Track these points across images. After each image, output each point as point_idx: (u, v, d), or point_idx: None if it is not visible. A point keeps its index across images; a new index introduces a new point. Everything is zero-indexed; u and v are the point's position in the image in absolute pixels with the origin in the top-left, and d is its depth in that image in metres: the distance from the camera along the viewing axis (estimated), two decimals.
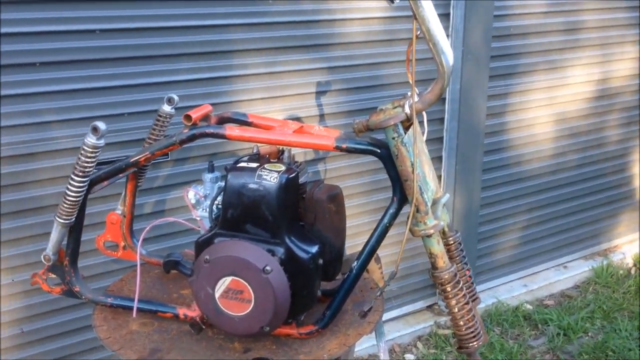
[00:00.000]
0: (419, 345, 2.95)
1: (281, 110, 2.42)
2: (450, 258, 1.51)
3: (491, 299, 3.23)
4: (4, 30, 1.89)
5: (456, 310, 1.38)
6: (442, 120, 2.85)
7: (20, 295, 2.12)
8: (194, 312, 1.47)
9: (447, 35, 2.74)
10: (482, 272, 3.25)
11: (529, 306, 3.24)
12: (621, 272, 3.55)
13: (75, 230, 1.52)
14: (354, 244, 2.64)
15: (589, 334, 3.02)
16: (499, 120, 3.02)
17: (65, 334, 2.24)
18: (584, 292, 3.38)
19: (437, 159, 2.90)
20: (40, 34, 1.95)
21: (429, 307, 3.14)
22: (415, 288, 3.05)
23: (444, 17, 2.72)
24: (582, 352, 2.86)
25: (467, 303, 1.39)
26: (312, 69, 2.46)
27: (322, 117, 2.53)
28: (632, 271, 3.60)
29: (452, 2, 2.70)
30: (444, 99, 2.82)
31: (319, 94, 2.50)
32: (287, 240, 1.36)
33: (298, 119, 2.47)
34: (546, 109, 3.14)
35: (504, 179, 3.13)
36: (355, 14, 2.48)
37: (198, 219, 1.52)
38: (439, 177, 2.92)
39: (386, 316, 2.96)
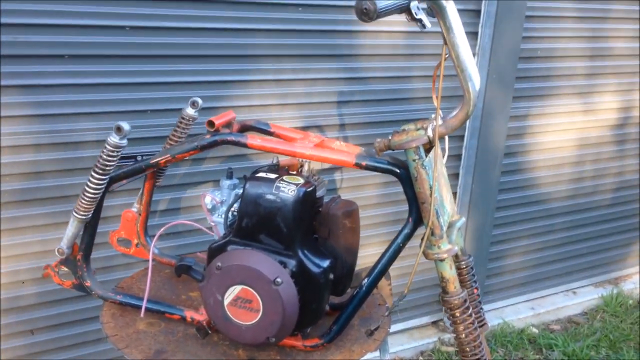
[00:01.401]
0: None
1: (302, 117, 2.43)
2: (462, 282, 1.51)
3: (497, 319, 3.21)
4: (36, 21, 1.91)
5: (463, 336, 1.38)
6: (462, 137, 2.85)
7: (18, 284, 2.14)
8: (201, 316, 1.48)
9: (474, 54, 2.74)
10: (490, 292, 3.23)
11: (534, 329, 3.22)
12: (631, 302, 3.52)
13: (91, 226, 1.53)
14: (365, 254, 2.66)
15: None
16: (519, 142, 3.01)
17: (74, 323, 2.26)
18: (591, 320, 3.35)
19: (454, 176, 2.89)
20: (70, 26, 1.97)
21: (434, 322, 3.14)
22: (422, 303, 3.05)
23: (472, 35, 2.72)
24: None
25: (475, 329, 1.38)
26: (335, 79, 2.46)
27: (342, 127, 2.53)
28: None
29: (481, 20, 2.70)
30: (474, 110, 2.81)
31: (341, 103, 2.51)
32: (300, 253, 1.37)
33: (318, 127, 2.48)
34: (567, 134, 3.13)
35: (520, 201, 3.12)
36: (381, 27, 2.48)
37: (213, 224, 1.53)
38: (455, 194, 2.91)
39: (391, 329, 2.95)
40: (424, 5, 1.15)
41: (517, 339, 3.10)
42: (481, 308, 1.54)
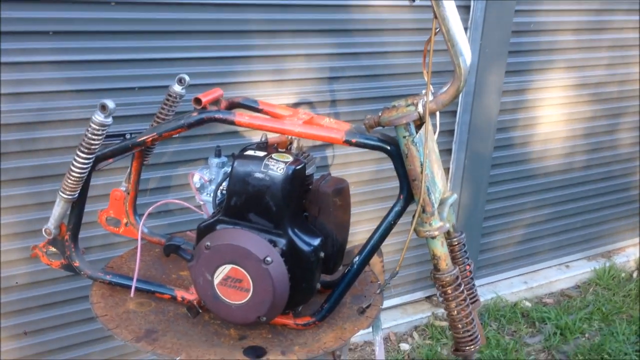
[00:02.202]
0: (415, 335, 2.96)
1: (293, 93, 2.40)
2: (453, 259, 1.50)
3: (490, 294, 3.22)
4: None
5: (455, 313, 1.37)
6: (454, 112, 2.82)
7: (20, 262, 2.12)
8: (191, 296, 1.47)
9: (466, 28, 2.70)
10: (483, 267, 3.24)
11: (527, 303, 3.24)
12: (623, 275, 3.54)
13: (77, 206, 1.51)
14: (357, 231, 2.65)
15: (586, 335, 3.01)
16: (512, 117, 2.99)
17: (65, 303, 2.25)
18: (584, 293, 3.38)
19: (446, 152, 2.88)
20: (54, 2, 1.93)
21: (428, 297, 3.15)
22: (415, 278, 3.06)
23: (464, 9, 2.68)
24: (577, 352, 2.86)
25: (467, 306, 1.38)
26: (326, 54, 2.43)
27: (333, 102, 2.50)
28: (634, 275, 3.59)
29: None
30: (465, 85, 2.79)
31: (332, 79, 2.47)
32: (290, 232, 1.35)
33: (310, 104, 2.45)
34: (559, 108, 3.11)
35: (512, 176, 3.11)
36: (375, 1, 2.44)
37: (202, 203, 1.51)
38: (447, 169, 2.90)
39: (384, 304, 2.95)
40: None
41: (510, 312, 3.12)
42: (473, 284, 1.53)
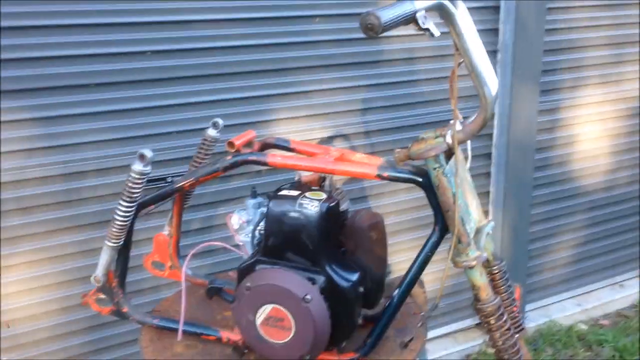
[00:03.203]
0: None
1: (326, 127, 2.43)
2: (495, 287, 1.48)
3: (543, 317, 3.15)
4: (64, 53, 1.97)
5: (500, 343, 1.35)
6: (490, 136, 2.81)
7: (59, 312, 2.18)
8: (236, 336, 1.49)
9: (495, 51, 2.71)
10: (533, 291, 3.17)
11: (583, 326, 3.15)
12: None
13: (123, 253, 1.56)
14: (398, 260, 2.64)
15: None
16: (550, 136, 2.95)
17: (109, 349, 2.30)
18: None
19: (485, 175, 2.86)
20: (95, 56, 2.02)
21: (478, 324, 3.09)
22: (464, 305, 3.01)
23: (493, 32, 2.69)
24: None
25: (512, 336, 1.36)
26: (356, 87, 2.46)
27: (367, 134, 2.53)
28: None
29: (500, 17, 2.66)
30: (492, 115, 2.78)
31: (364, 111, 2.50)
32: (328, 269, 1.37)
33: (343, 136, 2.48)
34: (599, 124, 3.06)
35: (556, 196, 3.06)
36: (398, 31, 2.46)
37: (240, 243, 1.54)
38: (487, 193, 2.88)
39: (434, 334, 2.93)
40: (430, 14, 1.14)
41: (565, 336, 3.03)
42: (518, 312, 1.51)
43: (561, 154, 3.01)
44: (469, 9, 2.73)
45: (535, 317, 3.10)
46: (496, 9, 2.66)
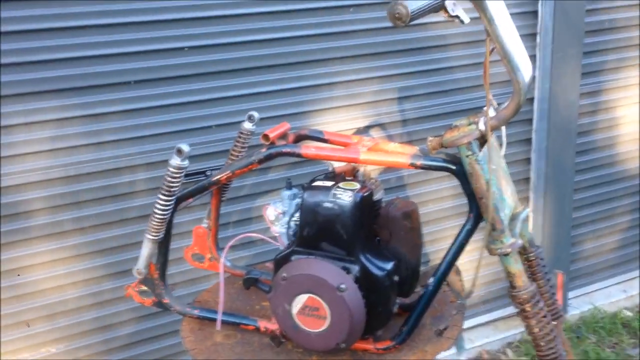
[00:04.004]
0: (509, 352, 2.88)
1: (361, 117, 2.43)
2: (532, 274, 1.47)
3: (587, 304, 3.09)
4: (103, 52, 2.02)
5: (537, 330, 1.34)
6: (530, 120, 2.77)
7: (105, 304, 2.25)
8: (274, 326, 1.52)
9: (535, 34, 2.66)
10: (577, 277, 3.12)
11: (628, 313, 3.08)
12: None
13: (163, 245, 1.60)
14: (438, 249, 2.64)
15: None
16: (592, 119, 2.89)
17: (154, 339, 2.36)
18: None
19: (525, 161, 2.82)
20: (134, 53, 2.07)
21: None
22: (504, 293, 2.97)
23: (532, 14, 2.64)
24: None
25: (548, 323, 1.34)
26: (391, 75, 2.45)
27: (403, 122, 2.52)
28: None
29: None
30: (532, 99, 2.74)
31: (400, 99, 2.49)
32: (362, 258, 1.38)
33: (379, 126, 2.48)
34: None
35: (598, 180, 2.99)
36: (432, 18, 2.45)
37: (277, 234, 1.56)
38: (528, 179, 2.83)
39: (474, 322, 2.91)
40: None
41: (609, 323, 2.98)
42: (555, 299, 1.49)
43: (603, 137, 2.94)
44: None
45: (579, 304, 3.05)
46: None
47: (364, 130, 2.44)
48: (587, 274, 3.15)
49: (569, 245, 3.00)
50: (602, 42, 2.79)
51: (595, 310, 3.06)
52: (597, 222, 3.07)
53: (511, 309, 3.03)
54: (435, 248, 2.65)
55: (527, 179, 2.84)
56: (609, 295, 3.17)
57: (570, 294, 3.10)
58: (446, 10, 1.09)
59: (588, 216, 3.03)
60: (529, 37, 2.66)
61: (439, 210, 2.67)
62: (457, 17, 1.11)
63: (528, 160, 2.81)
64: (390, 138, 2.46)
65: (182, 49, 2.13)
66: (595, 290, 3.19)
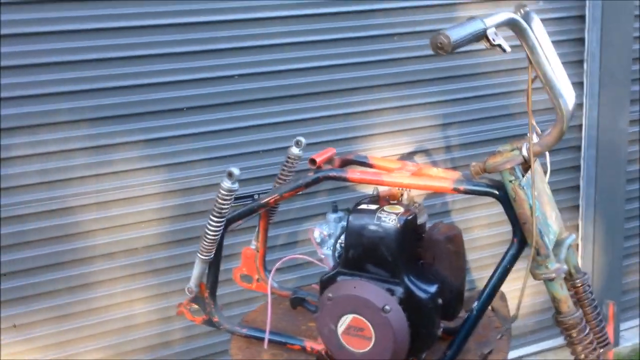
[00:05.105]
0: None
1: (409, 143, 2.47)
2: (579, 300, 1.46)
3: (639, 337, 3.01)
4: (158, 80, 2.13)
5: (582, 357, 1.34)
6: (578, 148, 2.75)
7: (157, 322, 2.31)
8: (320, 346, 1.54)
9: (583, 60, 2.66)
10: (629, 308, 3.04)
11: None
12: None
13: (214, 265, 1.66)
14: (482, 277, 2.62)
15: None
16: None
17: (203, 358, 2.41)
18: None
19: (574, 189, 2.79)
20: (186, 82, 2.17)
21: None
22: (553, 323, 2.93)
23: (579, 42, 2.64)
24: None
25: (594, 349, 1.34)
26: (438, 102, 2.49)
27: (447, 149, 2.54)
28: None
29: (586, 26, 2.61)
30: (580, 126, 2.72)
31: (444, 126, 2.52)
32: (406, 280, 1.40)
33: (424, 152, 2.51)
34: None
35: None
36: (474, 46, 2.47)
37: (323, 256, 1.60)
38: (577, 207, 2.80)
39: (523, 351, 2.87)
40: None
41: None
42: (603, 327, 1.48)
43: None
44: (554, 19, 2.71)
45: (631, 337, 2.97)
46: (581, 18, 2.62)
47: (408, 156, 2.47)
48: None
49: (620, 275, 2.93)
50: None
51: None
52: None
53: (562, 339, 2.97)
54: (481, 274, 2.64)
55: (577, 207, 2.81)
56: None
57: (623, 326, 3.02)
58: (488, 40, 1.13)
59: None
60: (576, 64, 2.66)
61: (484, 237, 2.67)
62: (498, 45, 1.14)
63: (577, 188, 2.79)
64: (434, 164, 2.48)
65: (232, 76, 2.22)
66: None
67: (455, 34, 1.07)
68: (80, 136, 2.09)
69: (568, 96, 1.25)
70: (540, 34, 1.33)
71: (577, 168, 2.77)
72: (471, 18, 1.13)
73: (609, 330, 2.41)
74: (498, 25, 1.15)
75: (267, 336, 1.62)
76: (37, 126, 2.04)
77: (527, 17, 1.35)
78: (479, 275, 2.66)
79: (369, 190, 1.57)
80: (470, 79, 2.52)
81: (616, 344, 2.93)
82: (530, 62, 1.22)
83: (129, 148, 2.15)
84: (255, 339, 1.66)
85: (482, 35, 1.11)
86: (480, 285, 2.59)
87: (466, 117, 2.54)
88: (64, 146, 2.08)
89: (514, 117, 2.59)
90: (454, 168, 2.47)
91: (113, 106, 2.10)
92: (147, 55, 2.11)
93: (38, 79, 2.01)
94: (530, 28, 1.25)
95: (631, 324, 3.04)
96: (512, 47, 1.21)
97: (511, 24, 1.18)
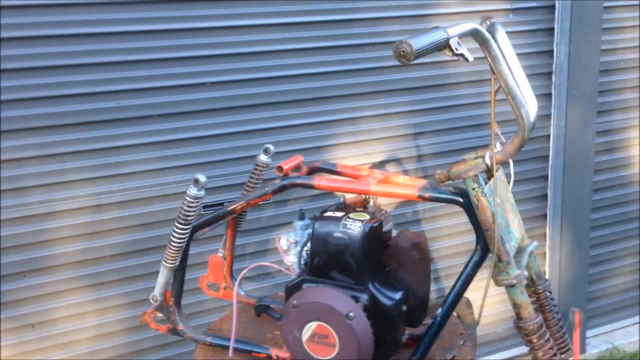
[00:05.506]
0: None
1: (380, 151, 2.49)
2: (540, 307, 1.48)
3: (606, 344, 3.05)
4: (127, 87, 2.11)
5: None
6: (546, 157, 2.79)
7: (127, 331, 2.29)
8: (285, 354, 1.54)
9: (551, 73, 2.70)
10: (594, 316, 3.09)
11: None
12: None
13: (179, 273, 1.65)
14: (450, 284, 2.63)
15: None
16: (609, 157, 2.90)
17: None
18: None
19: (542, 198, 2.83)
20: (156, 89, 2.15)
21: None
22: None
23: (547, 54, 2.69)
24: None
25: (554, 355, 1.35)
26: (409, 111, 2.51)
27: (419, 157, 2.56)
28: None
29: (555, 38, 2.66)
30: (548, 136, 2.77)
31: (417, 135, 2.54)
32: (371, 287, 1.40)
33: (396, 160, 2.53)
34: None
35: (616, 218, 2.99)
36: (444, 56, 2.50)
37: (289, 264, 1.60)
38: (544, 216, 2.84)
39: (492, 358, 2.89)
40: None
41: None
42: (564, 333, 1.50)
43: (620, 175, 2.95)
44: (523, 32, 2.75)
45: (598, 344, 3.02)
46: (550, 30, 2.67)
47: (379, 165, 2.49)
48: (606, 313, 3.12)
49: (586, 283, 2.98)
50: (617, 81, 2.82)
51: (614, 350, 3.02)
52: (615, 260, 3.05)
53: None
54: (449, 283, 2.65)
55: (544, 216, 2.85)
56: (628, 335, 3.13)
57: (589, 333, 3.06)
58: (450, 49, 1.14)
59: (605, 254, 3.02)
60: (545, 76, 2.71)
61: (452, 246, 2.69)
62: (461, 55, 1.15)
63: (545, 197, 2.83)
64: (405, 173, 2.50)
65: (203, 84, 2.21)
66: (615, 330, 3.15)
67: (418, 42, 1.08)
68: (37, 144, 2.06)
69: (530, 106, 1.27)
70: (504, 45, 1.36)
71: (545, 177, 2.81)
72: (434, 28, 1.15)
73: (576, 338, 2.45)
74: (461, 35, 1.17)
75: (232, 344, 1.61)
76: None
77: (491, 29, 1.38)
78: (448, 283, 2.68)
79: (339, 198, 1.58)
80: (442, 89, 2.55)
81: (583, 351, 2.97)
82: (493, 72, 1.24)
83: (93, 155, 2.12)
84: (220, 347, 1.65)
85: (444, 45, 1.12)
86: (446, 293, 2.62)
87: (437, 127, 2.56)
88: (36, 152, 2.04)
89: (485, 127, 2.63)
90: (425, 177, 2.50)
91: (79, 113, 2.08)
92: (117, 62, 2.09)
93: None
94: (495, 39, 1.28)
95: (597, 332, 3.09)
96: (480, 58, 1.23)
97: (474, 34, 1.20)
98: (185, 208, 1.54)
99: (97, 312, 2.23)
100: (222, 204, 2.24)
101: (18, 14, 1.94)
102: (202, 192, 1.52)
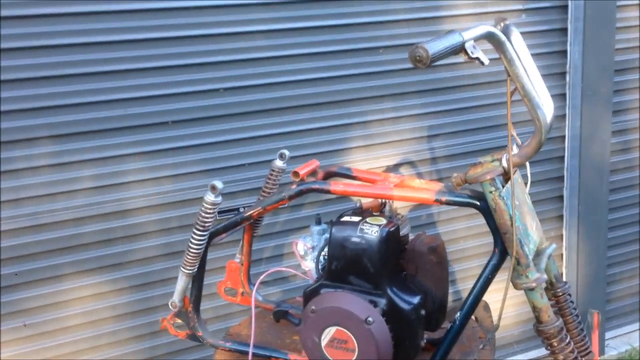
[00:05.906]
0: None
1: (394, 154, 2.48)
2: (560, 310, 1.47)
3: (624, 345, 3.02)
4: (140, 94, 2.13)
5: None
6: (562, 158, 2.77)
7: (144, 337, 2.30)
8: (304, 359, 1.54)
9: (566, 72, 2.69)
10: (613, 317, 3.06)
11: None
12: None
13: (197, 279, 1.65)
14: (468, 287, 2.63)
15: None
16: (625, 157, 2.88)
17: None
18: None
19: (558, 199, 2.81)
20: (171, 95, 2.17)
21: None
22: None
23: (561, 54, 2.67)
24: None
25: (575, 358, 1.35)
26: (423, 114, 2.50)
27: (433, 160, 2.56)
28: None
29: (569, 39, 2.65)
30: (563, 137, 2.75)
31: (430, 137, 2.54)
32: (389, 292, 1.41)
33: (410, 163, 2.52)
34: None
35: (633, 218, 2.96)
36: (458, 58, 2.50)
37: (306, 269, 1.60)
38: (561, 217, 2.82)
39: None
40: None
41: None
42: (584, 336, 1.49)
43: (637, 175, 2.92)
44: (537, 32, 2.74)
45: (617, 345, 2.99)
46: (564, 30, 2.65)
47: (393, 168, 2.48)
48: (624, 314, 3.09)
49: (604, 285, 2.95)
50: (632, 80, 2.80)
51: (633, 351, 2.99)
52: (633, 261, 3.02)
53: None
54: (466, 286, 2.65)
55: (561, 217, 2.83)
56: None
57: (608, 335, 3.04)
58: (466, 53, 1.14)
59: (623, 255, 2.99)
60: (559, 76, 2.69)
61: (469, 248, 2.68)
62: (477, 58, 1.15)
63: (561, 198, 2.81)
64: (418, 176, 2.50)
65: (217, 90, 2.22)
66: (634, 331, 3.12)
67: (434, 47, 1.08)
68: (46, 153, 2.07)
69: (546, 107, 1.27)
70: (519, 47, 1.35)
71: (561, 178, 2.79)
72: (450, 31, 1.15)
73: (594, 339, 2.43)
74: (476, 39, 1.17)
75: (251, 350, 1.61)
76: None
77: (506, 30, 1.37)
78: (465, 286, 2.67)
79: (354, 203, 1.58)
80: (455, 91, 2.54)
81: (601, 352, 2.95)
82: (509, 75, 1.23)
83: (112, 162, 2.13)
84: (239, 352, 1.66)
85: (460, 48, 1.12)
86: (464, 296, 2.61)
87: (451, 129, 2.56)
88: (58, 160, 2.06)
89: (498, 128, 2.62)
90: (439, 180, 2.49)
91: (94, 121, 2.09)
92: (132, 69, 2.10)
93: None
94: (509, 41, 1.27)
95: (616, 333, 3.06)
96: (493, 60, 1.23)
97: (489, 37, 1.19)
98: (203, 214, 1.55)
99: (112, 319, 2.25)
100: (237, 209, 2.26)
101: (18, 24, 1.95)
102: (220, 199, 1.53)
